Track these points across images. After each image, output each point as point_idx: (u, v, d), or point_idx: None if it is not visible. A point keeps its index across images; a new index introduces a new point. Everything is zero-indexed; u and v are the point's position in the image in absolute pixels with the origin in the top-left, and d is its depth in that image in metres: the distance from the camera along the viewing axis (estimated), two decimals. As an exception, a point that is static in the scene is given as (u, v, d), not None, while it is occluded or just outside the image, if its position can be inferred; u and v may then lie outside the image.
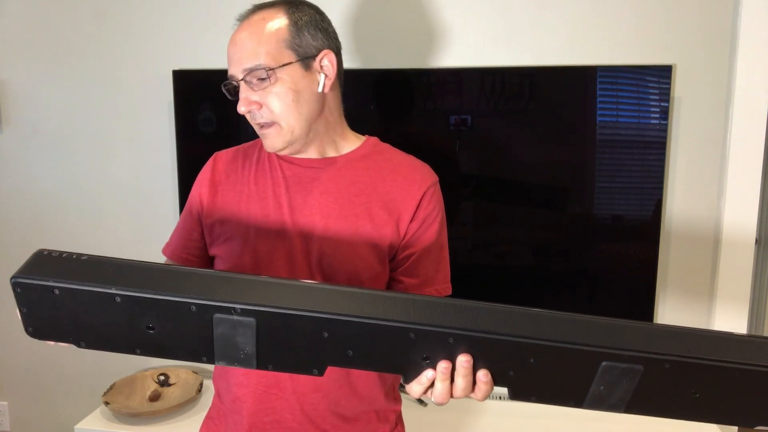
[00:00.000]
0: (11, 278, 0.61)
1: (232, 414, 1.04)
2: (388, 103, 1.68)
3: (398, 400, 1.11)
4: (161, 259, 1.10)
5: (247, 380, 1.00)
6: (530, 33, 1.63)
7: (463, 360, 0.64)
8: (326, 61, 0.95)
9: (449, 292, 1.03)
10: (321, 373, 0.65)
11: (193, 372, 1.84)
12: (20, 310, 0.63)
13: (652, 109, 1.56)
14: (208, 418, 1.11)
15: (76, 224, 1.95)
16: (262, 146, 1.03)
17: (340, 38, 1.01)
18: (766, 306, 2.80)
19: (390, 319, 0.61)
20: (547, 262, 1.68)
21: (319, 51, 0.94)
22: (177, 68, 1.76)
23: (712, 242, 1.64)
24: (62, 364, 2.03)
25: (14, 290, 0.61)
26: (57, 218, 1.96)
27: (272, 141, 0.95)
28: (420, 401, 1.71)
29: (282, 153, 0.99)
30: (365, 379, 1.01)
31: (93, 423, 1.64)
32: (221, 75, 0.96)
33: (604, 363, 0.61)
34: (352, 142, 1.04)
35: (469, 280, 1.67)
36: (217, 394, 1.09)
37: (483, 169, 1.67)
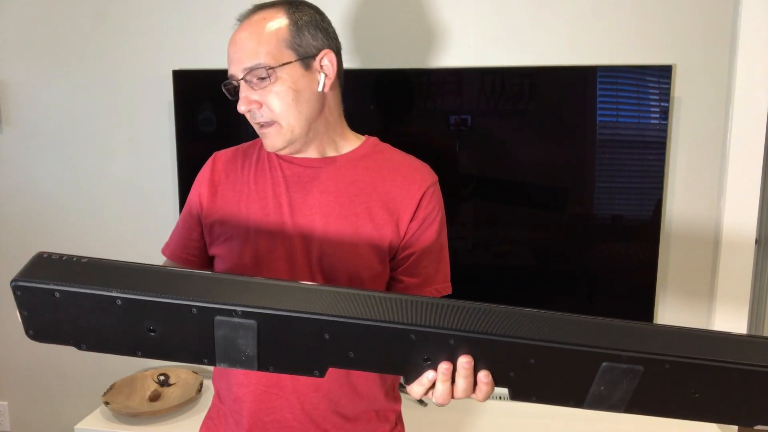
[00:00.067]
0: (11, 281, 0.61)
1: (233, 414, 1.04)
2: (388, 103, 1.68)
3: (398, 400, 1.11)
4: (161, 259, 1.10)
5: (248, 380, 1.00)
6: (530, 33, 1.63)
7: (464, 361, 0.64)
8: (326, 60, 0.95)
9: (449, 291, 1.03)
10: (322, 375, 0.65)
11: (193, 372, 1.84)
12: (21, 313, 0.63)
13: (652, 109, 1.56)
14: (207, 418, 1.11)
15: (76, 224, 1.95)
16: (261, 146, 1.03)
17: (340, 38, 1.01)
18: (766, 306, 2.80)
19: (391, 321, 0.61)
20: (547, 262, 1.68)
21: (319, 51, 0.95)
22: (177, 68, 1.76)
23: (712, 242, 1.64)
24: (62, 364, 2.03)
25: (14, 293, 0.61)
26: (57, 218, 1.96)
27: (272, 140, 0.95)
28: (420, 401, 1.71)
29: (282, 152, 0.99)
30: (365, 379, 1.01)
31: (93, 423, 1.64)
32: (221, 75, 0.96)
33: (604, 363, 0.61)
34: (351, 142, 1.04)
35: (469, 280, 1.67)
36: (217, 394, 1.09)
37: (483, 169, 1.67)
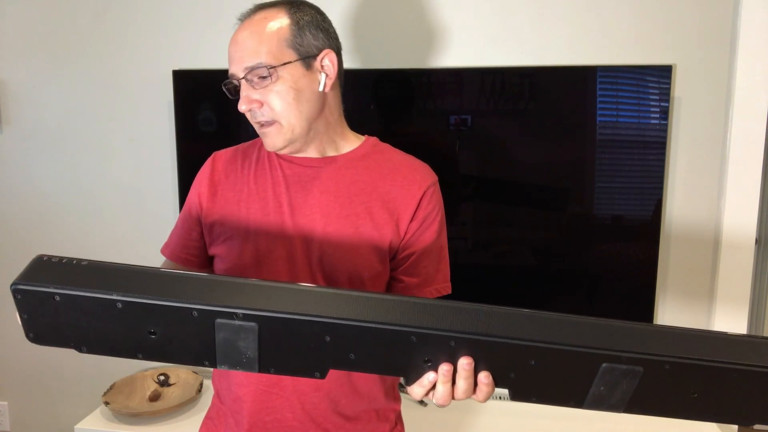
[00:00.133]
0: (11, 285, 0.61)
1: (233, 413, 1.04)
2: (388, 103, 1.68)
3: (398, 400, 1.11)
4: (160, 258, 1.10)
5: (248, 380, 1.00)
6: (530, 33, 1.63)
7: (465, 362, 0.64)
8: (327, 60, 0.95)
9: (449, 291, 1.03)
10: (323, 376, 0.65)
11: (193, 372, 1.84)
12: (21, 317, 0.63)
13: (652, 109, 1.56)
14: (207, 418, 1.11)
15: (76, 224, 1.95)
16: (261, 146, 1.03)
17: (340, 38, 1.01)
18: (766, 307, 2.80)
19: (392, 323, 0.61)
20: (547, 262, 1.68)
21: (320, 50, 0.95)
22: (177, 68, 1.76)
23: (712, 242, 1.64)
24: (62, 364, 2.03)
25: (14, 297, 0.61)
26: (57, 218, 1.96)
27: (273, 139, 0.95)
28: (420, 401, 1.71)
29: (282, 152, 0.99)
30: (366, 379, 1.02)
31: (93, 423, 1.64)
32: (221, 75, 0.96)
33: (604, 364, 0.61)
34: (351, 142, 1.04)
35: (469, 280, 1.67)
36: (217, 395, 1.09)
37: (483, 169, 1.67)
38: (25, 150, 1.94)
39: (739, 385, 0.62)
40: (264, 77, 0.91)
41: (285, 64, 0.91)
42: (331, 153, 1.02)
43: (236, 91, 0.95)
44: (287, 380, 0.98)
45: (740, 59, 1.54)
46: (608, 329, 0.62)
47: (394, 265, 1.01)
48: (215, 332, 0.62)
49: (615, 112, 1.58)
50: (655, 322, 1.68)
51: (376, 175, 1.00)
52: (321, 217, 0.97)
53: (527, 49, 1.64)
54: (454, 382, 0.67)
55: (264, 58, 0.90)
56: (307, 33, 0.93)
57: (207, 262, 1.07)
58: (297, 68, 0.92)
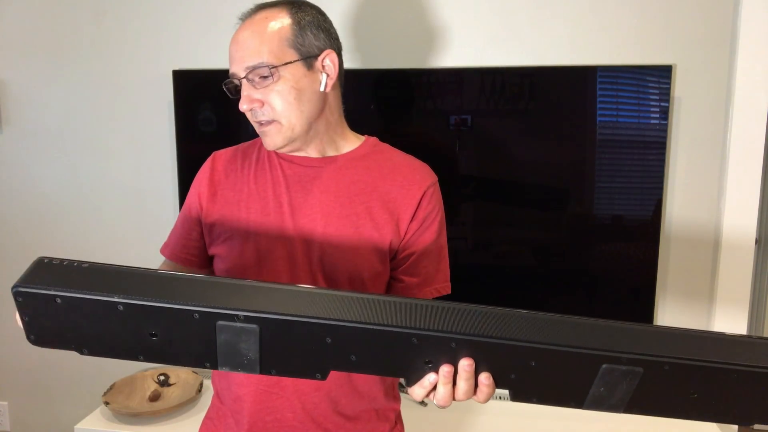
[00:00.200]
0: (12, 288, 0.60)
1: (233, 413, 1.04)
2: (388, 103, 1.68)
3: (397, 399, 1.11)
4: (160, 258, 1.10)
5: (248, 380, 1.00)
6: (530, 33, 1.63)
7: (466, 364, 0.64)
8: (328, 60, 0.96)
9: (449, 291, 1.03)
10: (324, 378, 0.65)
11: (193, 372, 1.84)
12: (22, 319, 0.63)
13: (652, 109, 1.56)
14: (207, 418, 1.11)
15: (76, 224, 1.95)
16: (261, 146, 1.03)
17: (341, 38, 1.01)
18: (766, 307, 2.80)
19: (393, 325, 0.61)
20: (546, 262, 1.68)
21: (322, 51, 0.95)
22: (177, 68, 1.76)
23: (712, 243, 1.64)
24: (62, 364, 2.03)
25: (16, 299, 0.61)
26: (57, 218, 1.96)
27: (272, 138, 0.95)
28: (420, 401, 1.71)
29: (281, 151, 0.99)
30: (365, 378, 1.02)
31: (93, 423, 1.64)
32: (221, 75, 0.96)
33: (604, 365, 0.61)
34: (351, 142, 1.04)
35: (469, 280, 1.67)
36: (217, 395, 1.09)
37: (483, 169, 1.67)
38: (25, 150, 1.94)
39: (738, 385, 0.62)
40: (265, 77, 0.91)
41: (286, 63, 0.91)
42: (331, 153, 1.02)
43: (237, 90, 0.95)
44: (287, 380, 0.98)
45: (740, 59, 1.54)
46: (608, 330, 0.62)
47: (394, 265, 1.01)
48: (216, 334, 0.62)
49: (615, 112, 1.58)
50: (655, 322, 1.68)
51: (377, 175, 1.00)
52: (321, 217, 0.97)
53: (527, 49, 1.64)
54: (454, 383, 0.67)
55: (265, 58, 0.90)
56: (309, 33, 0.93)
57: (207, 262, 1.07)
58: (298, 68, 0.92)
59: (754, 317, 2.80)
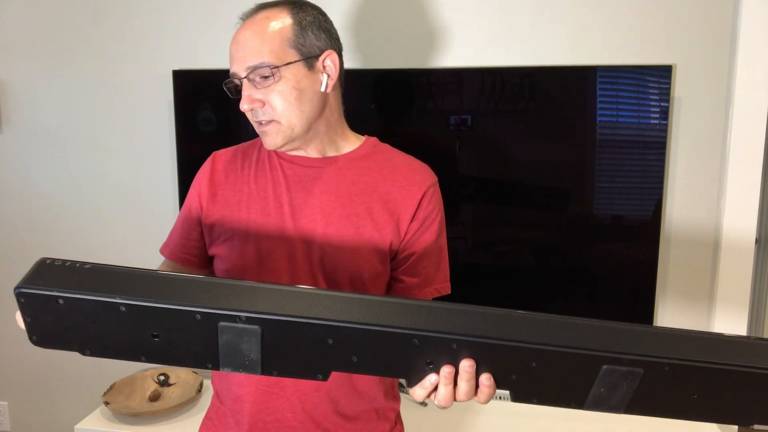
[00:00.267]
0: (15, 288, 0.60)
1: (233, 413, 1.04)
2: (388, 103, 1.68)
3: (397, 399, 1.11)
4: (160, 258, 1.10)
5: (248, 380, 1.00)
6: (530, 33, 1.63)
7: (467, 365, 0.64)
8: (329, 61, 0.96)
9: (449, 291, 1.03)
10: (325, 378, 0.66)
11: (193, 372, 1.84)
12: (24, 320, 0.63)
13: (652, 109, 1.56)
14: (207, 418, 1.11)
15: (76, 224, 1.95)
16: (261, 146, 1.03)
17: (341, 38, 1.01)
18: (766, 308, 2.80)
19: (394, 326, 0.61)
20: (546, 262, 1.68)
21: (323, 51, 0.95)
22: (177, 68, 1.76)
23: (712, 243, 1.64)
24: (62, 364, 2.03)
25: (18, 300, 0.61)
26: (57, 218, 1.96)
27: (272, 138, 0.95)
28: (421, 401, 1.71)
29: (281, 150, 0.99)
30: (365, 378, 1.02)
31: (93, 423, 1.64)
32: (221, 75, 0.96)
33: (604, 366, 0.61)
34: (352, 142, 1.04)
35: (469, 280, 1.67)
36: (216, 395, 1.09)
37: (483, 170, 1.67)
38: (25, 150, 1.94)
39: (738, 386, 0.62)
40: (266, 77, 0.91)
41: (288, 64, 0.91)
42: (331, 153, 1.02)
43: (237, 90, 0.95)
44: (287, 380, 0.99)
45: (740, 59, 1.54)
46: (609, 331, 0.62)
47: (394, 266, 1.01)
48: (218, 335, 0.62)
49: (615, 112, 1.58)
50: (654, 323, 1.68)
51: (377, 175, 1.00)
52: (321, 217, 0.97)
53: (527, 49, 1.64)
54: (455, 384, 0.67)
55: (267, 58, 0.90)
56: (310, 33, 0.93)
57: (207, 263, 1.07)
58: (299, 68, 0.92)
59: (754, 317, 2.80)
